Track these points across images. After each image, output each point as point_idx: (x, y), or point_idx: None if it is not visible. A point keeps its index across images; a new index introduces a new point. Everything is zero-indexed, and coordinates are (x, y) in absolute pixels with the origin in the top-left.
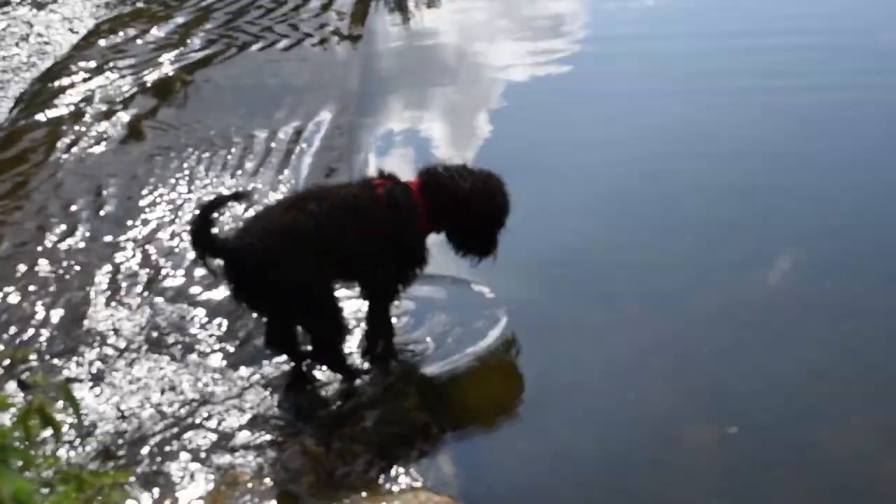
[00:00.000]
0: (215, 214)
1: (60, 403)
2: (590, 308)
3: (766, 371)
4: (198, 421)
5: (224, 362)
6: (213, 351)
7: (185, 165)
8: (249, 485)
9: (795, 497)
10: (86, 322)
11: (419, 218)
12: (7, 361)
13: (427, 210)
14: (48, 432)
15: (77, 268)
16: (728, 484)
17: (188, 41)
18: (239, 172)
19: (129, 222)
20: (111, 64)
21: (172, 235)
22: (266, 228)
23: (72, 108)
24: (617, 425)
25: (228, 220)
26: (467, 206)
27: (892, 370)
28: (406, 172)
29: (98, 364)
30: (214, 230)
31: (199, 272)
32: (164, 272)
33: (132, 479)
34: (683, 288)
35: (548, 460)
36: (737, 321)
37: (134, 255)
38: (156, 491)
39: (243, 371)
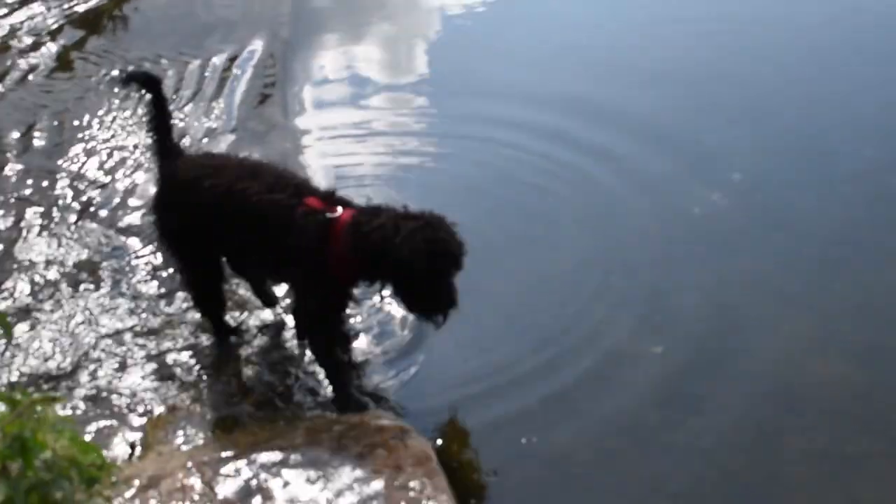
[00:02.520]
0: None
1: None
2: (524, 225)
3: (701, 283)
4: (135, 350)
5: (161, 290)
6: (149, 280)
7: (116, 95)
8: (189, 410)
9: (729, 403)
10: (18, 254)
11: (326, 266)
12: None
13: (349, 261)
14: None
15: (11, 200)
16: (665, 393)
17: None
18: (173, 98)
19: (61, 154)
20: None
21: (104, 166)
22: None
23: None
24: (554, 339)
25: None
26: (399, 263)
27: (822, 279)
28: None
29: (31, 296)
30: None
31: (133, 201)
32: (96, 203)
33: (66, 402)
34: (618, 202)
35: (489, 375)
36: (670, 235)
37: (67, 187)
38: (94, 421)
39: (179, 300)
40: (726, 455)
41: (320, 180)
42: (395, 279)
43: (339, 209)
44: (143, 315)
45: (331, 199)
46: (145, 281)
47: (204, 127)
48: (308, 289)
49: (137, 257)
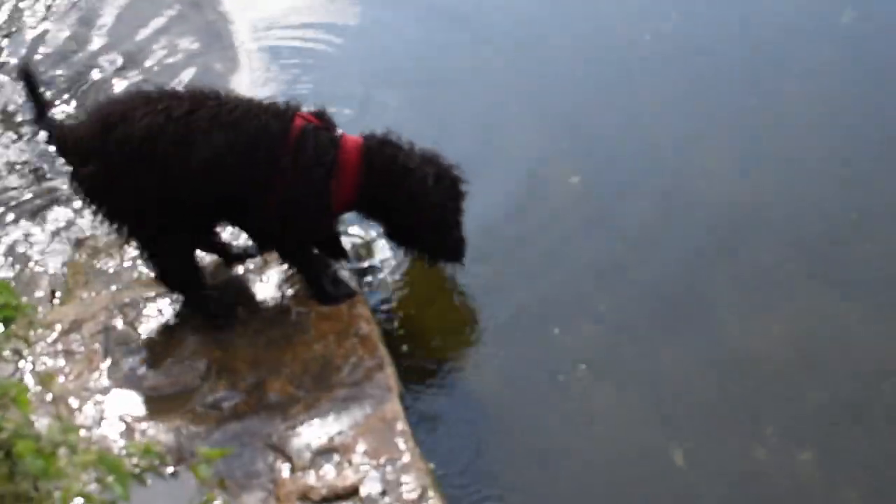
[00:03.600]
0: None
1: None
2: (463, 55)
3: (627, 109)
4: (52, 195)
5: None
6: None
7: None
8: (110, 253)
9: (654, 224)
10: None
11: (333, 185)
12: None
13: (355, 181)
14: None
15: None
16: (588, 217)
17: None
18: None
19: None
20: None
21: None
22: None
23: None
24: (484, 174)
25: None
26: (421, 190)
27: (740, 98)
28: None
29: None
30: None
31: (42, 49)
32: (7, 51)
33: None
34: (548, 27)
35: None
36: (593, 56)
37: None
38: (10, 269)
39: None
40: (653, 279)
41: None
42: (404, 211)
43: (339, 130)
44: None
45: (324, 114)
46: None
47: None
48: (297, 216)
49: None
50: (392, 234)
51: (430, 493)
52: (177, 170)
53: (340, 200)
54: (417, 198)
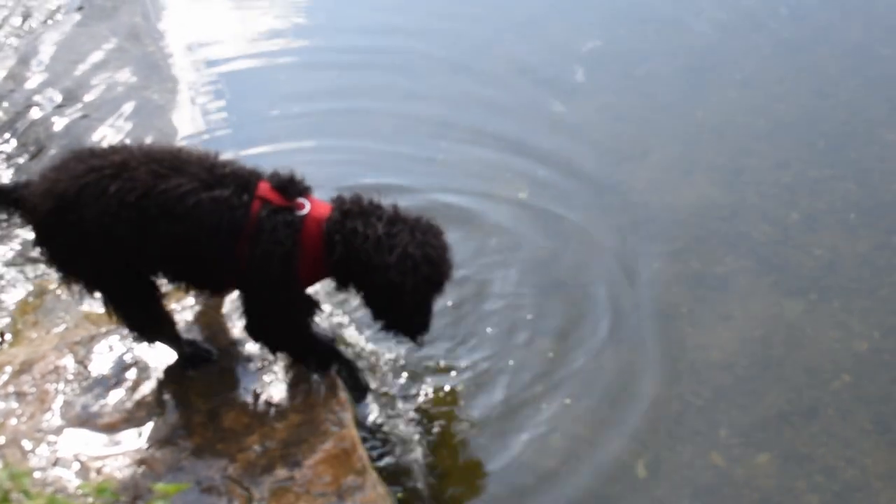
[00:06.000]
0: None
1: None
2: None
3: (571, 121)
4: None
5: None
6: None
7: None
8: (56, 294)
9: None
10: None
11: (292, 273)
12: None
13: (320, 261)
14: None
15: None
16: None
17: None
18: None
19: None
20: None
21: None
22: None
23: None
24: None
25: None
26: (385, 282)
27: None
28: None
29: None
30: None
31: None
32: None
33: None
34: None
35: None
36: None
37: None
38: None
39: None
40: (606, 292)
41: (179, 58)
42: (371, 293)
43: (305, 203)
44: None
45: (287, 186)
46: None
47: (45, 7)
48: (266, 298)
49: None
50: (363, 303)
51: None
52: (133, 252)
53: (307, 278)
54: (382, 290)
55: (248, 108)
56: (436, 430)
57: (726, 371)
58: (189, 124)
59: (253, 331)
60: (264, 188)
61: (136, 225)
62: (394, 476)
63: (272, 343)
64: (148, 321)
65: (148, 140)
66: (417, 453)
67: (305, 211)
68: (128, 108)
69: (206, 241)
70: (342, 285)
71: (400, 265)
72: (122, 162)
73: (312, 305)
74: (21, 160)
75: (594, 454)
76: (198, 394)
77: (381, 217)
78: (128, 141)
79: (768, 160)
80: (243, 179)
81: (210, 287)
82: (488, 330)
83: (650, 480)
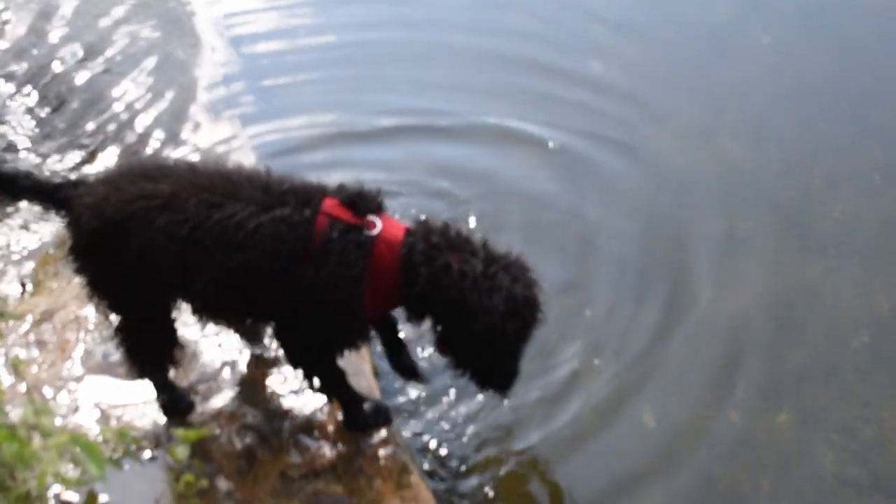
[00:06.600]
0: None
1: None
2: None
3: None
4: None
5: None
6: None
7: None
8: None
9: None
10: None
11: (358, 301)
12: None
13: (393, 287)
14: None
15: None
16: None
17: None
18: None
19: None
20: None
21: None
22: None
23: None
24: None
25: None
26: (486, 325)
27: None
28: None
29: None
30: None
31: (1, 43)
32: None
33: None
34: None
35: None
36: None
37: None
38: None
39: None
40: (625, 250)
41: (201, 14)
42: (461, 336)
43: (376, 221)
44: None
45: (357, 201)
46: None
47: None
48: (325, 327)
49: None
50: (438, 342)
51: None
52: (177, 287)
53: (375, 308)
54: (479, 334)
55: (267, 63)
56: None
57: (745, 330)
58: (210, 79)
59: (296, 359)
60: (330, 204)
61: (185, 261)
62: None
63: (316, 373)
64: (155, 357)
65: (169, 95)
66: None
67: (377, 231)
68: (149, 63)
69: (265, 266)
70: (416, 319)
71: (502, 308)
72: (171, 193)
73: (366, 337)
74: (43, 114)
75: (606, 405)
76: (218, 344)
77: (475, 253)
78: (149, 96)
79: (792, 122)
80: (305, 194)
81: (258, 316)
82: None
83: (661, 433)
